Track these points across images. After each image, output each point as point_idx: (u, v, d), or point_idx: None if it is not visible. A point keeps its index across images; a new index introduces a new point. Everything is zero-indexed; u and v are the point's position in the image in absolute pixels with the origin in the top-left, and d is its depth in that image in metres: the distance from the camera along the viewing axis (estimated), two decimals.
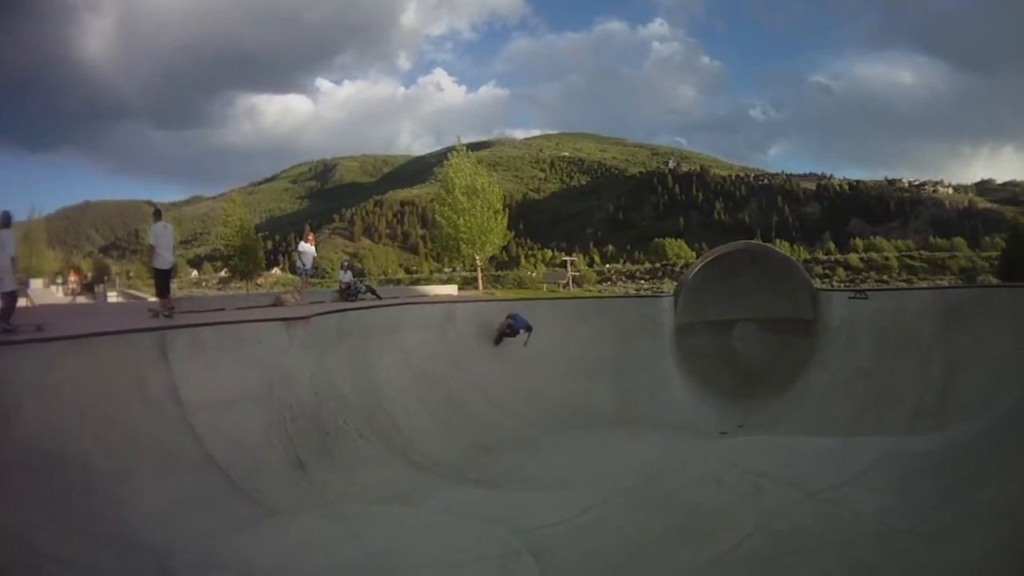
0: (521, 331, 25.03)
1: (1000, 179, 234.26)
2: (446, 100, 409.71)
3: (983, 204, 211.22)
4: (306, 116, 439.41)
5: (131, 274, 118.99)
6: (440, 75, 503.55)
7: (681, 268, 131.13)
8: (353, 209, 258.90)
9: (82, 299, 32.74)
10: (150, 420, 13.78)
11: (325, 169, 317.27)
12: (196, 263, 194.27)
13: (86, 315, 20.54)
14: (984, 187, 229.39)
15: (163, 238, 19.75)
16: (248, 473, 13.28)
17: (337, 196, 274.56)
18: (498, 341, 25.01)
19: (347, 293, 27.89)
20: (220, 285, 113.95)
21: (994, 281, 53.90)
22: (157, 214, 20.36)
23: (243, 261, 72.86)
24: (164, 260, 19.97)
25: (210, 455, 13.77)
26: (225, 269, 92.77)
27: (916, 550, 7.52)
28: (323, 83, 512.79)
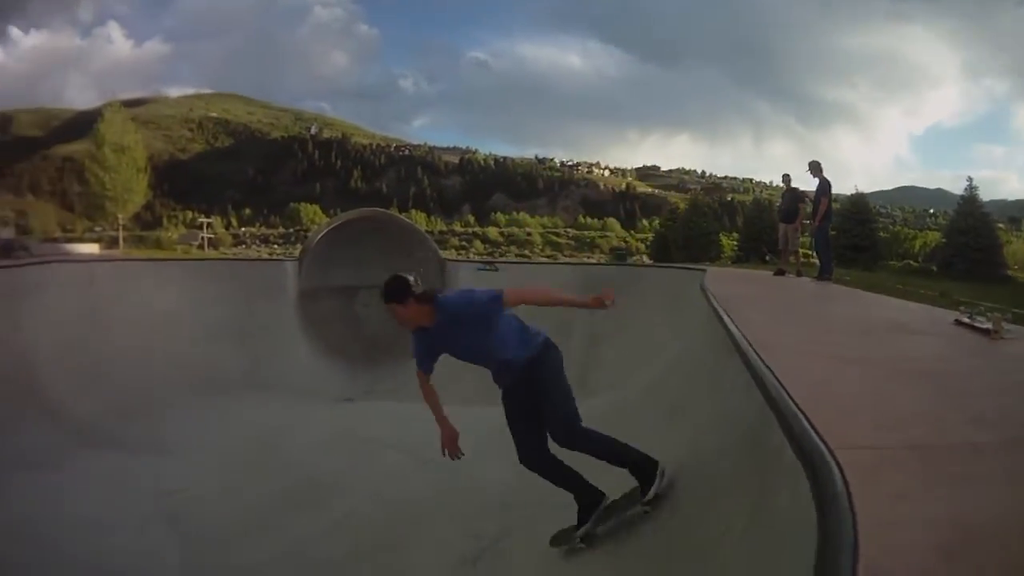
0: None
1: (667, 166, 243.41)
2: (114, 53, 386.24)
3: (643, 188, 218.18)
4: None
5: None
6: (113, 27, 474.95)
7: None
8: (24, 164, 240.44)
9: None
10: None
11: (3, 121, 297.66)
12: None
13: None
14: (648, 172, 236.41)
15: None
16: None
17: (12, 150, 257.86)
18: None
19: (3, 250, 26.46)
20: None
21: (647, 261, 56.06)
22: None
23: None
24: None
25: None
26: None
27: (547, 521, 7.35)
28: (13, 30, 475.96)
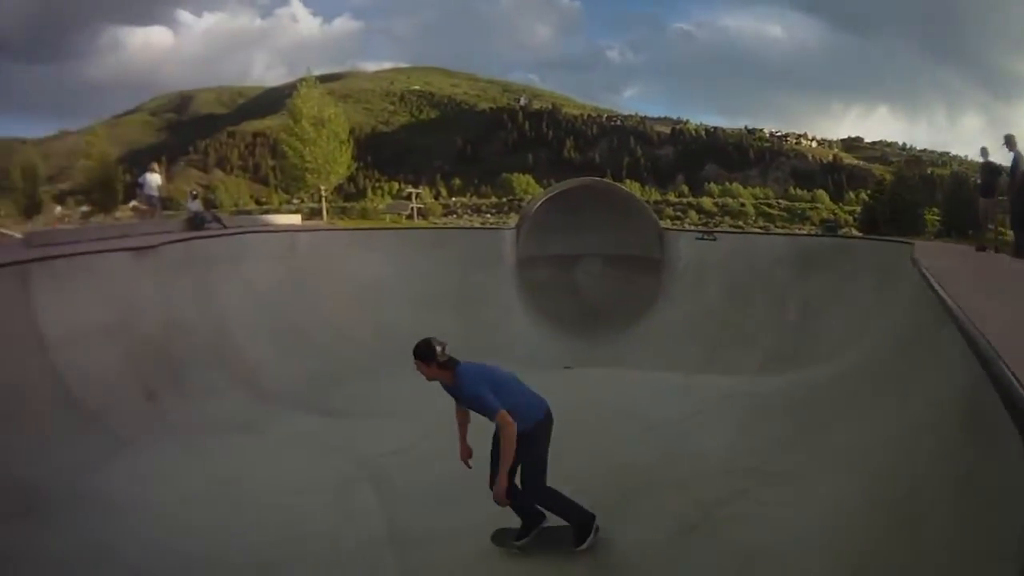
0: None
1: (870, 138, 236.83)
2: (300, 32, 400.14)
3: (849, 160, 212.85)
4: (166, 48, 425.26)
5: (0, 213, 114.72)
6: (296, 6, 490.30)
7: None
8: (208, 141, 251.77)
9: None
10: (9, 358, 13.33)
11: (183, 101, 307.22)
12: (61, 198, 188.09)
13: None
14: (852, 144, 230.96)
15: None
16: (104, 406, 12.92)
17: (194, 128, 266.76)
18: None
19: (194, 222, 27.31)
20: (82, 220, 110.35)
21: (856, 234, 54.91)
22: None
23: (102, 194, 70.42)
24: None
25: (67, 390, 13.33)
26: (86, 203, 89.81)
27: (764, 488, 7.63)
28: (184, 15, 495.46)
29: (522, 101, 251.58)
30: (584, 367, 19.49)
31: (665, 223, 29.83)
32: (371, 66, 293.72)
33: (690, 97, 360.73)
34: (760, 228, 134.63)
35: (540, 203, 28.19)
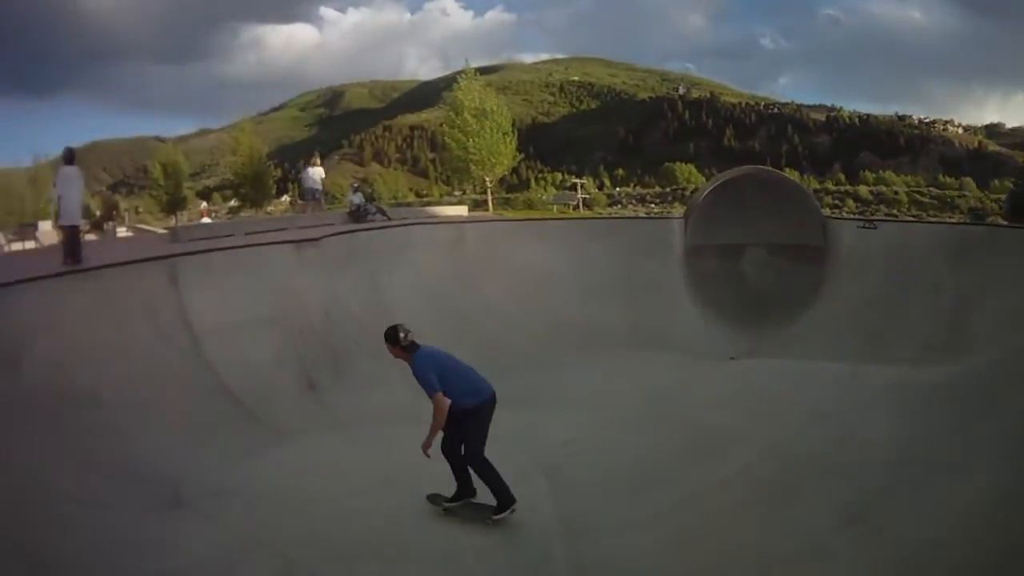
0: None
1: (1010, 124, 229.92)
2: (452, 25, 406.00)
3: (992, 147, 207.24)
4: (312, 45, 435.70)
5: (140, 209, 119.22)
6: (446, 1, 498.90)
7: (691, 193, 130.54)
8: (362, 135, 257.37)
9: (91, 236, 32.30)
10: (161, 350, 13.79)
11: (334, 96, 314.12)
12: (205, 195, 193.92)
13: (95, 250, 20.04)
14: (993, 130, 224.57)
15: (71, 187, 16.67)
16: (260, 397, 13.35)
17: (346, 122, 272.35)
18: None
19: (357, 215, 27.72)
20: (230, 215, 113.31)
21: (1002, 223, 53.61)
22: (67, 156, 17.61)
23: (253, 189, 72.03)
24: (72, 214, 16.55)
25: (222, 381, 13.87)
26: (234, 199, 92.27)
27: (930, 478, 7.67)
28: (327, 11, 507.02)
29: (681, 90, 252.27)
30: (749, 357, 19.44)
31: (824, 212, 29.38)
32: (527, 58, 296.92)
33: (840, 83, 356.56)
34: (912, 216, 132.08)
35: (707, 192, 27.89)
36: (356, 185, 34.80)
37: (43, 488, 8.79)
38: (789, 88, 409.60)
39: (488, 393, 9.57)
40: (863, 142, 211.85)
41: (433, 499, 9.77)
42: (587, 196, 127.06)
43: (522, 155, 56.97)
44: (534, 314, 21.72)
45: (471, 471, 9.47)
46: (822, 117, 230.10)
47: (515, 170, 61.35)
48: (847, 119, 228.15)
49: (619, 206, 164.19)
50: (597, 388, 16.12)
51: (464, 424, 9.26)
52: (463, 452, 9.41)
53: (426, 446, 9.05)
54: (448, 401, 9.02)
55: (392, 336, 9.40)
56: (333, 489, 10.33)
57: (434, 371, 9.16)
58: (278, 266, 17.75)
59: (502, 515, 9.02)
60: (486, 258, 23.50)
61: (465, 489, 9.58)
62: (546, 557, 8.33)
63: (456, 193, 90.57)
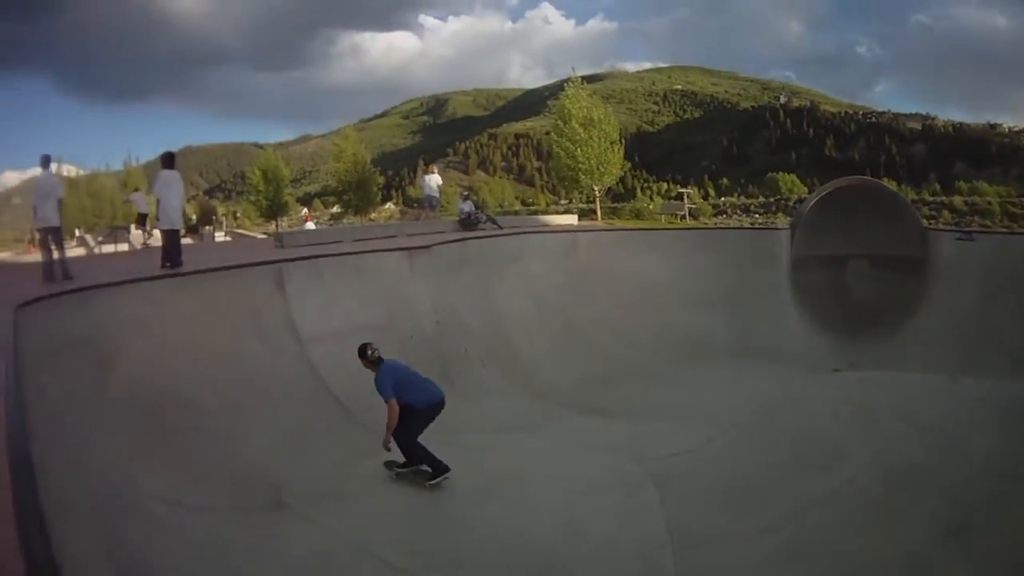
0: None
1: None
2: (555, 34, 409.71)
3: None
4: (413, 52, 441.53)
5: (238, 214, 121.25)
6: (547, 9, 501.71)
7: (794, 203, 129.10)
8: (467, 143, 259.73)
9: (187, 240, 32.59)
10: (265, 354, 14.17)
11: (437, 104, 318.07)
12: (306, 201, 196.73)
13: (193, 254, 20.26)
14: None
15: (171, 191, 17.00)
16: (365, 404, 13.22)
17: (450, 130, 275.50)
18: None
19: (467, 223, 27.85)
20: (332, 221, 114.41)
21: None
22: (166, 160, 17.25)
23: (357, 196, 72.24)
24: (171, 219, 17.03)
25: (326, 387, 14.23)
26: (337, 205, 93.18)
27: (1018, 493, 7.66)
28: (427, 19, 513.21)
29: (782, 99, 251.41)
30: (852, 369, 19.26)
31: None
32: (629, 66, 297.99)
33: (931, 91, 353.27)
34: (1005, 227, 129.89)
35: (813, 203, 27.62)
36: (466, 193, 34.97)
37: (136, 489, 8.88)
38: (884, 96, 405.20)
39: (438, 397, 11.29)
40: (957, 151, 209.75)
41: (388, 467, 11.38)
42: (693, 206, 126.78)
43: (629, 164, 56.88)
44: (643, 324, 21.75)
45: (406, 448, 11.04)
46: (918, 126, 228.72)
47: (621, 179, 61.36)
48: (942, 128, 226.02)
49: (724, 216, 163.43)
50: (703, 399, 16.11)
51: (415, 417, 10.93)
52: (401, 433, 10.86)
53: (385, 443, 10.77)
54: (398, 407, 10.68)
55: (362, 352, 11.22)
56: (439, 496, 10.46)
57: (392, 381, 10.83)
58: (389, 273, 17.96)
59: (436, 480, 10.75)
60: (597, 267, 23.65)
61: (411, 461, 11.13)
62: (654, 570, 8.29)
63: (563, 202, 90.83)
